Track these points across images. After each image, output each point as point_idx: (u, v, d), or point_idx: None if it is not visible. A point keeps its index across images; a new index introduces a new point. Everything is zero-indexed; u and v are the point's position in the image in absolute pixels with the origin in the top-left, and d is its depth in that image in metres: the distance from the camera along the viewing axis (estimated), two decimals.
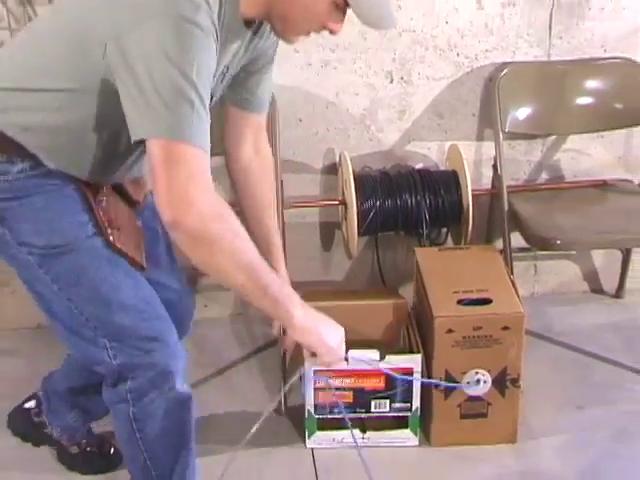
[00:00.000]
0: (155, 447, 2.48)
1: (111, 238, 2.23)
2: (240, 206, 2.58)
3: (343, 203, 3.37)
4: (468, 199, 3.29)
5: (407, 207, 3.33)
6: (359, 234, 3.27)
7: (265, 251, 2.47)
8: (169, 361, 2.35)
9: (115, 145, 2.18)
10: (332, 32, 2.14)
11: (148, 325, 2.33)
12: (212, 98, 2.19)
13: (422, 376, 2.88)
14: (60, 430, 2.85)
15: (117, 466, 2.85)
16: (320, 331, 2.28)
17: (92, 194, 2.24)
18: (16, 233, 2.20)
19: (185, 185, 1.93)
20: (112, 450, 2.91)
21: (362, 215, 3.27)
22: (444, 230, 3.47)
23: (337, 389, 2.88)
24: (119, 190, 2.38)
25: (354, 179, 3.23)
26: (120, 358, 2.33)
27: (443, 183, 3.36)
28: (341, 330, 2.36)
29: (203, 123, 1.97)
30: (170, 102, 1.92)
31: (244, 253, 2.05)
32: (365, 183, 3.31)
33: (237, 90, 2.46)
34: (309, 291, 3.13)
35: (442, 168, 3.49)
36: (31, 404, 2.91)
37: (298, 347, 2.41)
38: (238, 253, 2.04)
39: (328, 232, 3.61)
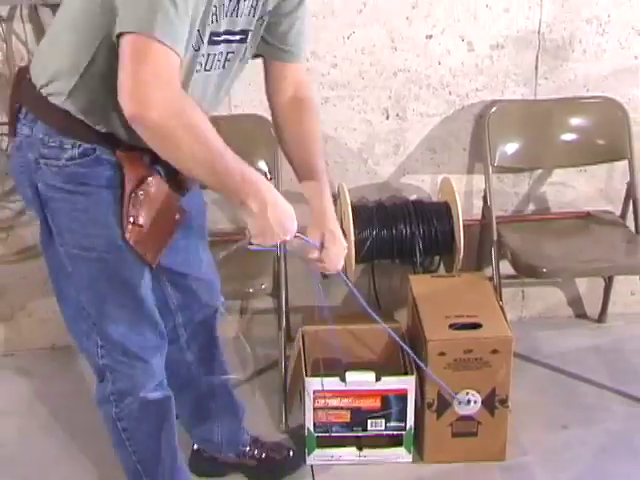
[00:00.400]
0: (142, 449, 2.51)
1: (127, 235, 2.17)
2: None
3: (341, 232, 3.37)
4: (459, 230, 3.28)
5: (402, 236, 3.32)
6: (356, 262, 3.26)
7: (305, 177, 2.46)
8: (147, 379, 2.40)
9: None
10: None
11: (137, 344, 2.35)
12: (247, 32, 2.18)
13: (415, 397, 2.89)
14: (227, 449, 2.86)
15: (299, 467, 2.92)
16: (269, 219, 2.09)
17: (135, 185, 2.17)
18: (55, 223, 2.21)
19: (148, 81, 1.89)
20: (290, 453, 2.94)
21: (359, 244, 3.26)
22: (437, 258, 3.46)
23: (335, 409, 2.90)
24: (173, 171, 2.24)
25: (352, 210, 3.23)
26: (106, 359, 2.37)
27: (436, 214, 3.35)
28: (290, 212, 2.15)
29: (180, 26, 1.91)
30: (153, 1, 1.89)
31: (204, 150, 1.97)
32: (362, 213, 3.31)
33: (270, 41, 2.32)
34: (309, 315, 3.20)
35: (435, 200, 3.48)
36: (196, 445, 2.90)
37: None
38: (197, 151, 1.97)
39: None
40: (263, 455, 2.90)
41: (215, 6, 2.06)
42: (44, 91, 2.13)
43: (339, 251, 2.41)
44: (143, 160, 2.19)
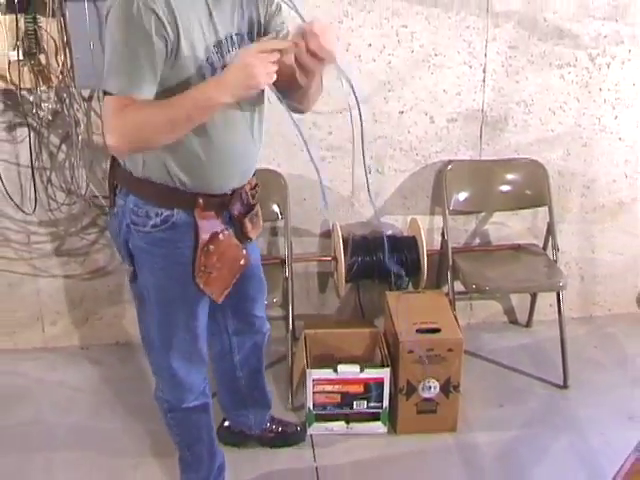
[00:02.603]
0: (185, 435, 2.50)
1: (197, 280, 2.15)
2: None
3: (335, 259, 3.36)
4: (424, 258, 3.28)
5: (380, 262, 3.31)
6: (346, 281, 3.28)
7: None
8: (187, 396, 2.39)
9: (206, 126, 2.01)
10: None
11: (185, 373, 2.34)
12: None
13: (390, 384, 2.91)
14: (253, 428, 2.85)
15: (304, 439, 2.93)
16: (232, 84, 1.89)
17: (206, 241, 2.13)
18: (140, 272, 2.20)
19: (104, 126, 1.94)
20: (298, 428, 2.94)
21: (348, 267, 3.26)
22: (406, 279, 3.42)
23: (329, 392, 2.91)
24: (240, 226, 2.25)
25: (342, 242, 3.24)
26: (159, 378, 2.39)
27: (406, 246, 3.34)
28: (244, 56, 1.89)
29: (140, 71, 1.88)
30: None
31: (160, 127, 1.90)
32: (350, 245, 3.30)
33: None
34: (310, 321, 3.23)
35: (405, 234, 3.46)
36: (227, 423, 2.87)
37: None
38: (158, 131, 1.91)
39: (323, 279, 3.57)
40: (279, 429, 2.90)
41: (214, 42, 1.99)
42: (128, 167, 2.12)
43: (324, 29, 1.92)
44: (216, 218, 2.16)
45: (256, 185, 2.31)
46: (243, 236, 2.27)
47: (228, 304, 2.39)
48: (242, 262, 2.26)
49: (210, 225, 2.15)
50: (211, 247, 2.14)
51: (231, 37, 2.04)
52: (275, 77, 1.89)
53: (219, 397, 2.76)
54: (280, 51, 1.89)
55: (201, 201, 2.11)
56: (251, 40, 2.10)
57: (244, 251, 2.27)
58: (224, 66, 1.98)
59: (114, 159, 2.20)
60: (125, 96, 1.90)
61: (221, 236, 2.17)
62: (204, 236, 2.14)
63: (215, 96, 1.90)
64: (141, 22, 1.86)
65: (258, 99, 2.15)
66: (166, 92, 1.96)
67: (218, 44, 2.01)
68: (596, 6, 3.30)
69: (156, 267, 2.17)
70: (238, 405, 2.77)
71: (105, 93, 1.94)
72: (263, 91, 2.12)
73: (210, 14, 1.99)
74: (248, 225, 2.27)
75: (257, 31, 2.13)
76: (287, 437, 2.91)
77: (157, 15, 1.87)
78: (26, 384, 3.30)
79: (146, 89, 1.92)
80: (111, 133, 1.92)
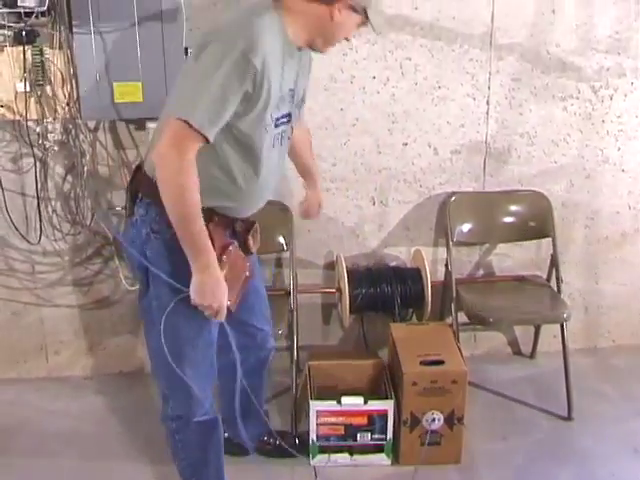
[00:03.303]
0: (192, 456, 2.51)
1: None
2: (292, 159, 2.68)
3: (339, 290, 3.34)
4: (428, 290, 3.26)
5: (384, 294, 3.31)
6: (350, 312, 3.26)
7: (306, 175, 2.76)
8: (198, 408, 2.42)
9: (233, 155, 2.18)
10: (348, 39, 2.24)
11: (197, 383, 2.36)
12: (291, 114, 2.28)
13: (394, 416, 2.89)
14: (251, 441, 2.90)
15: (302, 451, 2.94)
16: (205, 287, 2.14)
17: (220, 252, 2.20)
18: (154, 282, 2.25)
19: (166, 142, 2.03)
20: (296, 440, 2.96)
21: (352, 299, 3.25)
22: (410, 310, 3.43)
23: (332, 424, 2.90)
24: (243, 241, 2.36)
25: (347, 273, 3.23)
26: (170, 390, 2.40)
27: (410, 277, 3.33)
28: (224, 289, 2.16)
29: (216, 115, 2.02)
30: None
31: (179, 207, 2.05)
32: (355, 276, 3.30)
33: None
34: (314, 352, 3.22)
35: (409, 266, 3.46)
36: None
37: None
38: (174, 204, 2.05)
39: (327, 310, 3.56)
40: (277, 442, 2.92)
41: (280, 98, 2.16)
42: (154, 179, 2.15)
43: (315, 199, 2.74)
44: (226, 232, 2.27)
45: None
46: (246, 250, 2.37)
47: (235, 316, 2.42)
48: (247, 274, 2.38)
49: (221, 238, 2.25)
50: (224, 257, 2.22)
51: (290, 92, 2.23)
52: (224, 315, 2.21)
53: (220, 408, 2.76)
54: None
55: (217, 218, 2.23)
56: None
57: (248, 263, 2.39)
58: (277, 118, 2.20)
59: (137, 169, 2.30)
60: (197, 129, 2.02)
61: (231, 248, 2.27)
62: (218, 246, 2.21)
63: (197, 260, 2.12)
64: (242, 73, 2.01)
65: (288, 145, 2.38)
66: (233, 129, 2.13)
67: (280, 99, 2.19)
68: (598, 39, 3.33)
69: (174, 273, 2.21)
70: (235, 419, 2.73)
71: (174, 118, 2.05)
72: (290, 139, 2.38)
73: (282, 73, 2.15)
74: (250, 240, 2.39)
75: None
76: (285, 449, 2.89)
77: (255, 73, 2.03)
78: (29, 414, 3.29)
79: (215, 134, 2.06)
80: (161, 156, 2.05)
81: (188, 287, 2.18)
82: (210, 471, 2.56)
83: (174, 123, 2.03)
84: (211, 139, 2.05)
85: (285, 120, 2.26)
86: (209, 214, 2.18)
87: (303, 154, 2.71)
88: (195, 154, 2.05)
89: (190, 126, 2.01)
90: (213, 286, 2.14)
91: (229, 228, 2.30)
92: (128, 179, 2.38)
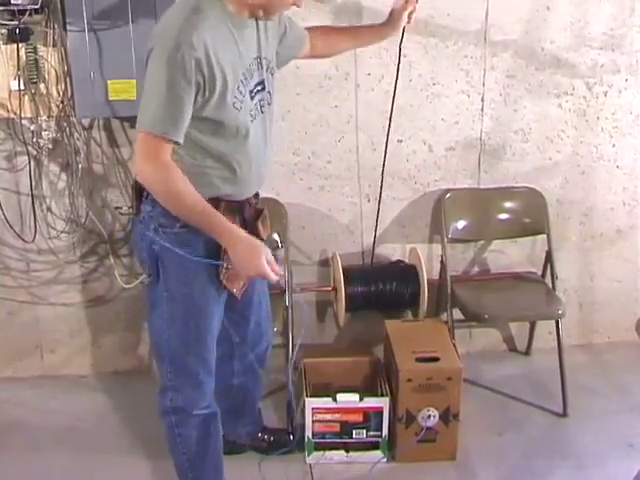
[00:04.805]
0: (191, 451, 2.51)
1: (221, 276, 2.27)
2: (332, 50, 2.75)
3: (334, 289, 3.34)
4: (424, 289, 3.25)
5: (380, 293, 3.29)
6: (346, 310, 3.25)
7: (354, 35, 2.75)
8: (200, 400, 2.45)
9: (227, 138, 2.22)
10: (298, 5, 2.22)
11: (201, 373, 2.40)
12: (264, 81, 2.28)
13: (389, 413, 2.90)
14: (245, 438, 2.92)
15: (297, 446, 2.95)
16: (241, 260, 2.18)
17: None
18: (165, 274, 2.29)
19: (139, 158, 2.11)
20: (291, 437, 2.96)
21: (348, 298, 3.23)
22: (407, 309, 3.42)
23: (328, 421, 2.90)
24: (253, 227, 2.37)
25: (343, 272, 3.22)
26: (173, 382, 2.42)
27: (407, 276, 3.32)
28: (258, 251, 2.18)
29: (178, 115, 2.06)
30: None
31: (178, 206, 2.12)
32: (351, 275, 3.27)
33: (288, 51, 2.50)
34: (310, 350, 3.19)
35: (405, 265, 3.43)
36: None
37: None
38: (173, 205, 2.12)
39: (322, 308, 3.55)
40: (272, 439, 2.94)
41: (244, 73, 2.18)
42: None
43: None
44: (235, 220, 2.27)
45: (257, 194, 2.47)
46: (256, 237, 2.34)
47: (235, 308, 2.50)
48: None
49: None
50: None
51: (251, 63, 2.24)
52: (277, 279, 2.21)
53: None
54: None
55: (223, 204, 2.26)
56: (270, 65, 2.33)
57: None
58: (251, 91, 2.22)
59: None
60: (167, 137, 2.07)
61: None
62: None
63: (221, 239, 2.16)
64: (184, 70, 2.03)
65: (270, 110, 2.36)
66: (203, 120, 2.15)
67: (244, 74, 2.20)
68: (593, 36, 3.32)
69: (183, 265, 2.26)
70: (230, 414, 2.79)
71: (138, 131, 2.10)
72: (271, 105, 2.36)
73: (238, 48, 2.17)
74: (260, 227, 2.43)
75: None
76: (280, 445, 2.94)
77: (199, 64, 2.04)
78: (25, 412, 3.29)
79: (182, 135, 2.10)
80: (140, 173, 2.13)
81: (195, 277, 2.26)
82: (208, 466, 2.57)
83: (140, 138, 2.10)
84: (180, 140, 2.09)
85: (259, 88, 2.28)
86: (214, 203, 2.21)
87: (341, 34, 2.77)
88: (169, 154, 2.10)
89: (155, 136, 2.06)
90: (248, 256, 2.15)
91: (238, 215, 2.32)
92: (124, 177, 2.40)
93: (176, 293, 2.30)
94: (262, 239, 2.41)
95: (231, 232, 2.16)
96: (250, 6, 2.17)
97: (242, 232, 2.18)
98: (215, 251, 2.24)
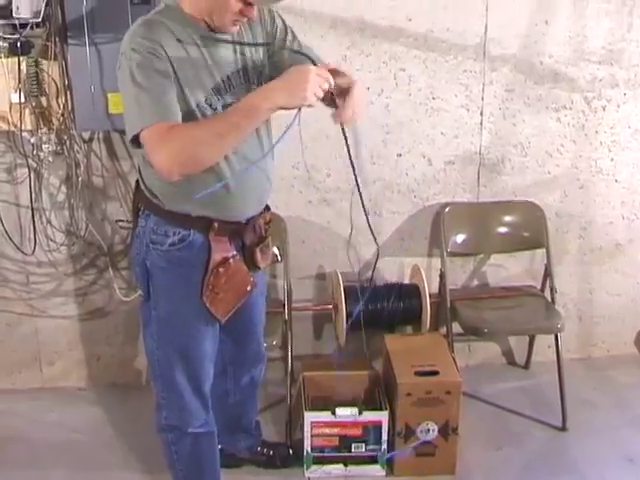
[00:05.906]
0: (188, 468, 2.50)
1: (204, 298, 2.22)
2: None
3: (335, 308, 3.31)
4: (427, 306, 3.20)
5: (381, 311, 3.26)
6: (347, 332, 3.18)
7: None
8: (192, 420, 2.42)
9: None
10: (249, 18, 2.07)
11: (191, 394, 2.38)
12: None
13: (388, 427, 2.88)
14: (244, 452, 2.91)
15: (296, 461, 2.94)
16: (280, 91, 1.98)
17: (218, 264, 2.21)
18: (154, 292, 2.26)
19: (150, 155, 2.00)
20: (289, 450, 2.95)
21: (349, 317, 3.13)
22: (408, 326, 3.40)
23: (327, 435, 2.89)
24: (250, 254, 2.32)
25: (343, 291, 3.18)
26: (165, 400, 2.40)
27: (408, 294, 3.29)
28: (304, 71, 1.98)
29: (162, 98, 1.98)
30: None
31: (210, 144, 1.97)
32: (351, 293, 3.17)
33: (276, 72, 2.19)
34: (308, 363, 3.20)
35: (407, 282, 3.42)
36: (220, 445, 2.75)
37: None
38: (208, 150, 1.98)
39: (321, 321, 3.54)
40: (271, 453, 2.93)
41: (216, 85, 2.10)
42: (147, 194, 2.21)
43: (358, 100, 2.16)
44: (228, 244, 2.24)
45: (270, 220, 2.42)
46: (253, 264, 2.34)
47: (229, 329, 2.44)
48: (249, 288, 2.34)
49: (222, 249, 2.24)
50: (221, 269, 2.23)
51: (228, 77, 2.14)
52: (316, 100, 1.98)
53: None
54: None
55: (216, 225, 2.20)
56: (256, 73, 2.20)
57: (252, 278, 2.34)
58: (224, 105, 2.10)
59: (138, 184, 2.29)
60: (164, 122, 1.97)
61: (231, 261, 2.26)
62: (216, 257, 2.22)
63: (257, 102, 1.97)
64: (152, 65, 1.99)
65: (267, 128, 2.27)
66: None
67: (216, 87, 2.11)
68: (591, 50, 3.34)
69: (171, 285, 2.24)
70: (227, 429, 2.78)
71: (134, 138, 2.02)
72: (269, 120, 2.22)
73: (205, 61, 2.10)
74: (258, 255, 2.35)
75: (269, 55, 2.26)
76: (278, 459, 2.94)
77: (157, 54, 2.00)
78: (23, 425, 3.28)
79: (178, 116, 2.01)
80: (159, 155, 1.97)
81: (185, 297, 2.21)
82: None
83: (143, 140, 2.00)
84: (178, 119, 2.00)
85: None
86: (208, 222, 2.19)
87: None
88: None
89: (150, 129, 1.98)
90: (298, 84, 1.96)
91: (235, 239, 2.27)
92: (124, 190, 2.39)
93: (163, 313, 2.28)
94: (259, 268, 2.38)
95: (252, 105, 1.98)
96: (203, 16, 2.08)
97: (266, 90, 2.00)
98: (202, 273, 2.21)
